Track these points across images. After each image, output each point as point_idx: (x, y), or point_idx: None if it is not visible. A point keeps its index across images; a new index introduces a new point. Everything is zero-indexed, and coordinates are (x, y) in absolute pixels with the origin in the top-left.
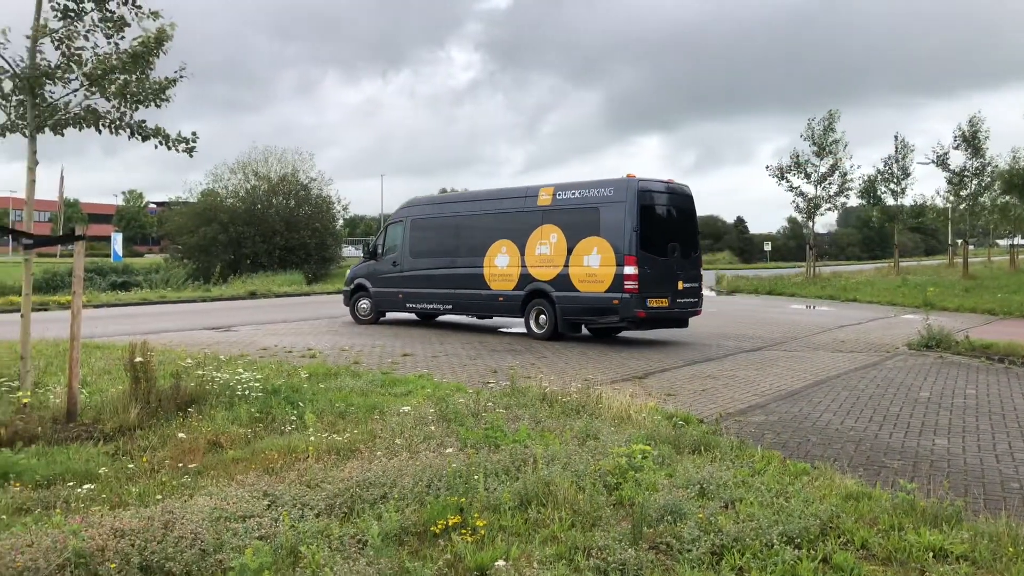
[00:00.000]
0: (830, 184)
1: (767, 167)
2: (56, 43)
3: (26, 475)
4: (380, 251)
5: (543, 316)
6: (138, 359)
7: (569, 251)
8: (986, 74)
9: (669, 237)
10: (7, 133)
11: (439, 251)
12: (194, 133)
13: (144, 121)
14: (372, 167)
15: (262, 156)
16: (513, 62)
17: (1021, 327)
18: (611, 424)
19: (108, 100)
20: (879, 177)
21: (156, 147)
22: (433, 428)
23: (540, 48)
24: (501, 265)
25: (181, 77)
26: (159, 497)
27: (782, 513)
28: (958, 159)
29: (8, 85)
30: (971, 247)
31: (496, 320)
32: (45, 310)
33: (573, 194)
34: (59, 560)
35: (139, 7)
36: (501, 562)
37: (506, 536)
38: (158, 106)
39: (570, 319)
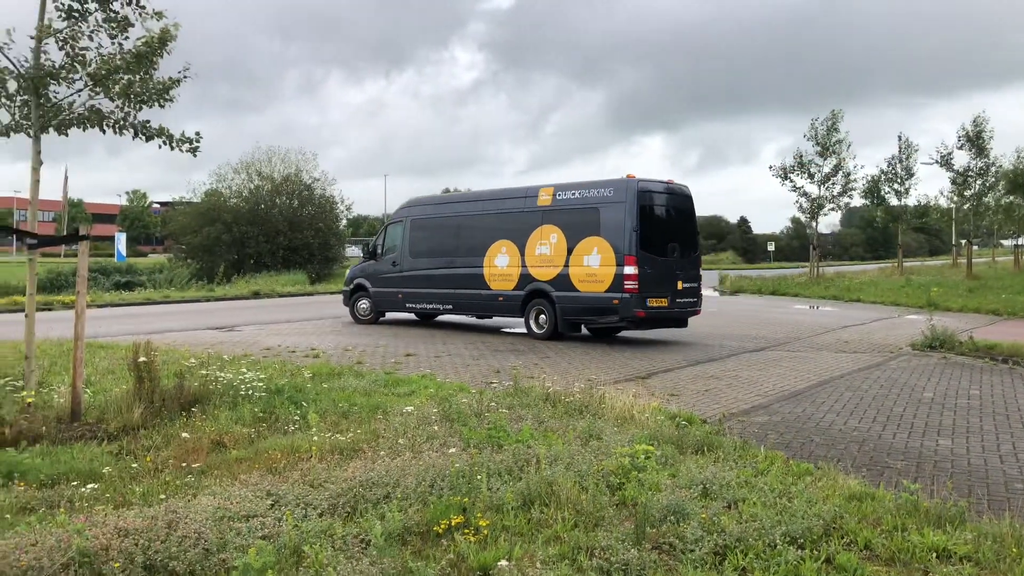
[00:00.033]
0: (834, 184)
1: (771, 167)
2: (60, 43)
3: (30, 474)
4: (380, 251)
5: (543, 316)
6: (142, 359)
7: (569, 251)
8: (989, 74)
9: (669, 237)
10: (12, 133)
11: (439, 251)
12: (198, 133)
13: (148, 121)
14: (375, 167)
15: (265, 156)
16: (516, 62)
17: None
18: (614, 424)
19: (112, 100)
20: (883, 177)
21: (160, 147)
22: (436, 428)
23: (543, 48)
24: (501, 265)
25: (185, 77)
26: (163, 496)
27: (785, 513)
28: (962, 159)
29: (13, 85)
30: (975, 247)
31: (499, 320)
32: (49, 310)
33: (573, 194)
34: (63, 559)
35: (143, 7)
36: (504, 562)
37: (509, 536)
38: (162, 106)
39: (570, 319)
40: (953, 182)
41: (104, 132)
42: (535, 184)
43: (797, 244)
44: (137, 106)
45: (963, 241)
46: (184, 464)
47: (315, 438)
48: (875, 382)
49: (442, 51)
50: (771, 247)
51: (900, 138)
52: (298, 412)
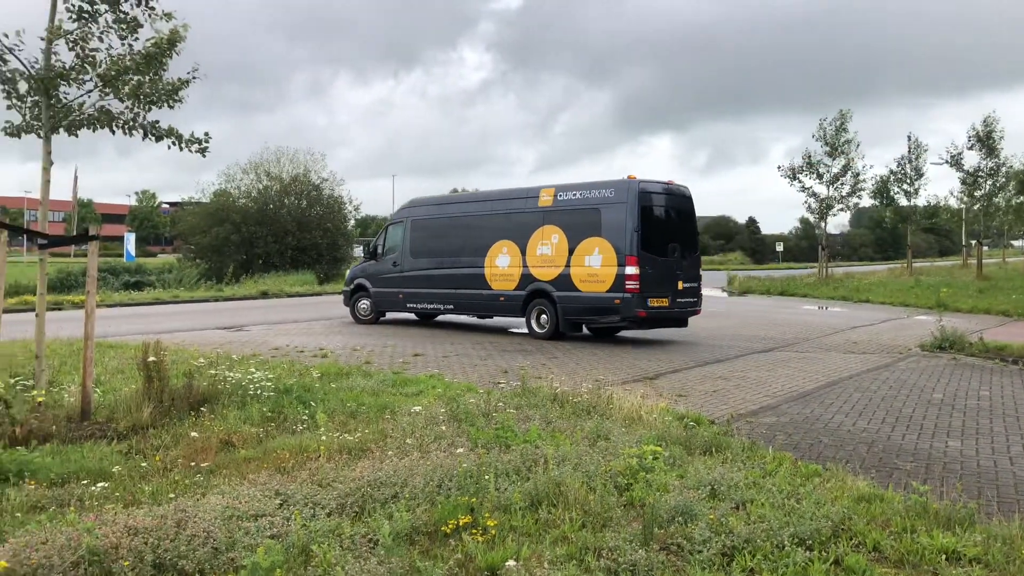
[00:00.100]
0: (842, 184)
1: (779, 167)
2: (70, 44)
3: (41, 473)
4: (380, 251)
5: (544, 316)
6: (151, 358)
7: (570, 251)
8: (1000, 74)
9: (669, 237)
10: (22, 134)
11: (440, 251)
12: (207, 134)
13: (157, 122)
14: (383, 167)
15: (274, 156)
16: (524, 62)
17: None
18: (622, 425)
19: (122, 101)
20: (892, 177)
21: (169, 148)
22: (444, 428)
23: (552, 48)
24: (502, 265)
25: (194, 78)
26: (172, 496)
27: (793, 515)
28: (972, 159)
29: (23, 86)
30: (985, 248)
31: (506, 320)
32: (59, 309)
33: (574, 195)
34: (73, 557)
35: (152, 8)
36: (512, 562)
37: (517, 536)
38: (171, 107)
39: (571, 319)
40: (963, 182)
41: (114, 133)
42: (536, 185)
43: (806, 244)
44: (147, 107)
45: (973, 242)
46: (193, 463)
47: (323, 438)
48: (884, 383)
49: (450, 51)
50: (780, 248)
51: (909, 138)
52: (306, 412)
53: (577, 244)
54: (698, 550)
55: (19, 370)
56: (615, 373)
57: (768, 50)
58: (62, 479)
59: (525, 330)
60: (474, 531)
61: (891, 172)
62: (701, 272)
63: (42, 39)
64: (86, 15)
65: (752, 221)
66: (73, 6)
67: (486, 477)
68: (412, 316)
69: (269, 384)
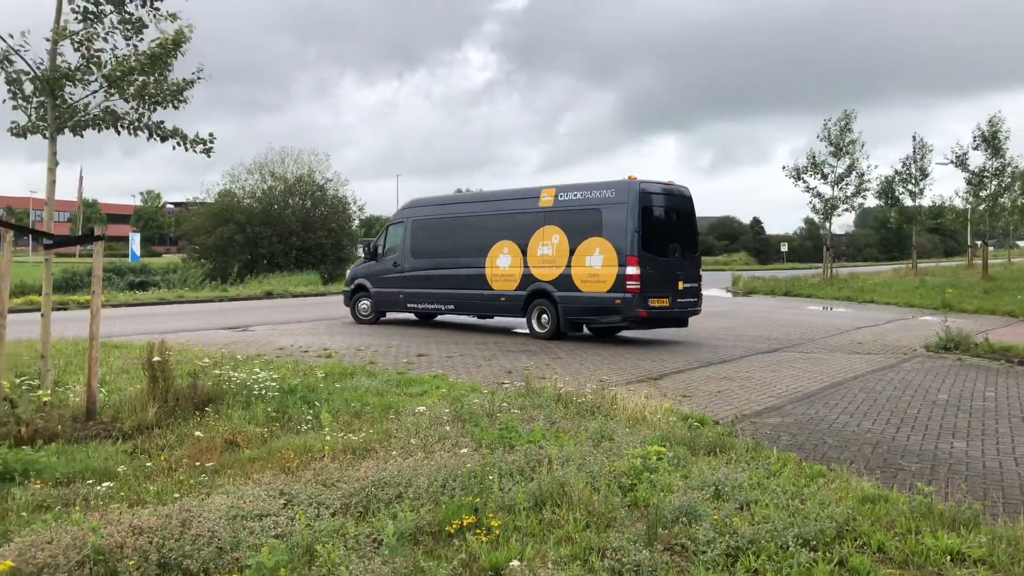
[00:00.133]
0: (847, 185)
1: (784, 168)
2: (76, 45)
3: (46, 473)
4: (381, 251)
5: (545, 316)
6: (156, 358)
7: (571, 252)
8: (1005, 74)
9: (670, 238)
10: (28, 134)
11: (440, 251)
12: (211, 134)
13: (162, 122)
14: (388, 168)
15: (279, 157)
16: (529, 62)
17: None
18: (626, 425)
19: (127, 101)
20: (897, 178)
21: (174, 148)
22: (448, 428)
23: (556, 48)
24: (503, 265)
25: (199, 78)
26: (177, 495)
27: (798, 515)
28: (977, 159)
29: (29, 87)
30: (991, 248)
31: (510, 320)
32: (65, 309)
33: (575, 195)
34: (79, 557)
35: (157, 9)
36: (516, 562)
37: (520, 536)
38: (176, 107)
39: (572, 319)
40: (968, 183)
41: (119, 133)
42: (537, 185)
43: (810, 245)
44: (151, 107)
45: (978, 242)
46: (198, 463)
47: (328, 438)
48: (889, 383)
49: (455, 52)
50: (784, 248)
51: (914, 138)
52: (311, 412)
53: (578, 244)
54: (702, 551)
55: (24, 370)
56: (619, 373)
57: (772, 50)
58: (67, 479)
59: (528, 330)
60: (478, 531)
61: (896, 172)
62: (701, 272)
63: (47, 40)
64: (91, 16)
65: (756, 221)
66: (78, 7)
67: (490, 477)
68: (412, 316)
69: (273, 384)
